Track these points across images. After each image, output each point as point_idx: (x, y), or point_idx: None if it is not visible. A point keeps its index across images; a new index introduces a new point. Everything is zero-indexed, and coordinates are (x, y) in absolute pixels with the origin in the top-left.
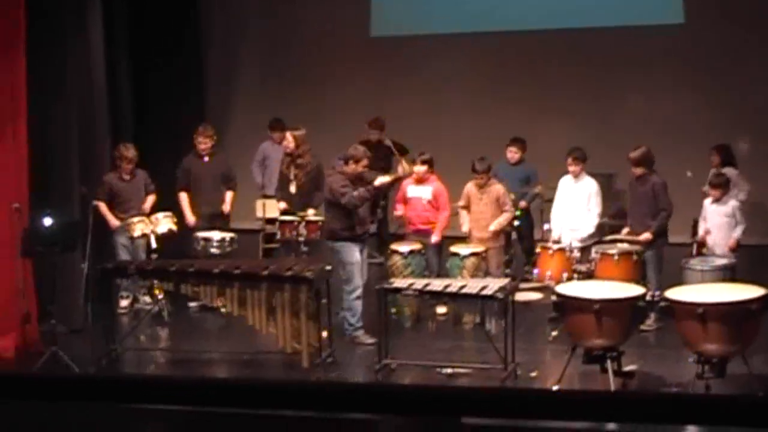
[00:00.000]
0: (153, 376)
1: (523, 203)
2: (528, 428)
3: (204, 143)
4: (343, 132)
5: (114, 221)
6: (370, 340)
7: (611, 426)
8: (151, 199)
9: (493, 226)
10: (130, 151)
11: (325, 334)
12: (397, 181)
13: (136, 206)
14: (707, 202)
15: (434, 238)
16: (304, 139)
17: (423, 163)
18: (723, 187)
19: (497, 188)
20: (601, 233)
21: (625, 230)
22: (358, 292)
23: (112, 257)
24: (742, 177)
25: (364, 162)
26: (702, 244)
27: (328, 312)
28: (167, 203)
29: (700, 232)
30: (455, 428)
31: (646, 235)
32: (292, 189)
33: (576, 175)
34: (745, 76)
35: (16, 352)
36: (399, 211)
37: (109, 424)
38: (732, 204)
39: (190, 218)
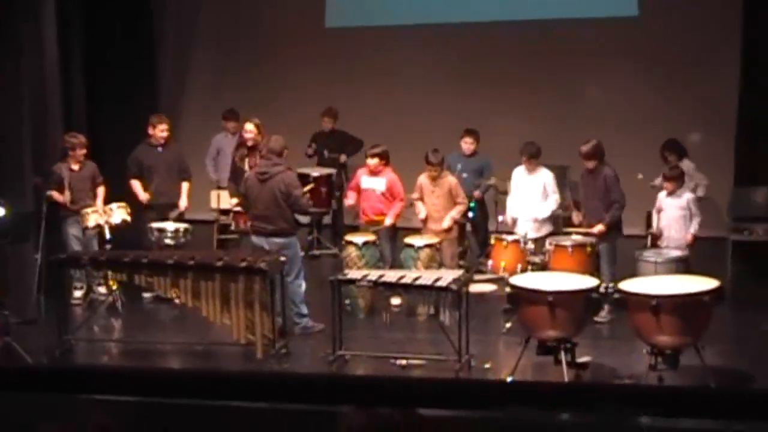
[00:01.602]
0: (106, 366)
1: (477, 194)
2: (482, 419)
3: (163, 131)
4: (297, 122)
5: (66, 198)
6: (320, 326)
7: (565, 416)
8: (101, 192)
9: (446, 222)
10: (79, 139)
11: (278, 324)
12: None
13: (86, 196)
14: (662, 194)
15: (388, 221)
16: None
17: (374, 156)
18: (678, 179)
19: (450, 180)
20: (555, 225)
21: (575, 216)
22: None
23: (64, 248)
24: (698, 170)
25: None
26: (657, 236)
27: (282, 303)
28: (120, 194)
29: (654, 224)
30: (412, 420)
31: (599, 227)
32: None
33: (528, 170)
34: (698, 70)
35: None
36: (350, 200)
37: (61, 414)
38: (687, 197)
39: (143, 196)
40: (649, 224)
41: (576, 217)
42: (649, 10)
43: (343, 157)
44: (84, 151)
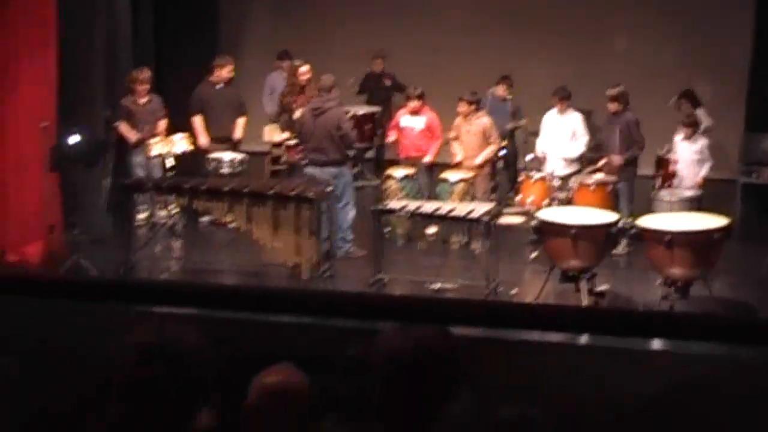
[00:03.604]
0: (166, 281)
1: (508, 127)
2: (508, 340)
3: (230, 72)
4: (348, 64)
5: (133, 137)
6: (362, 252)
7: (584, 338)
8: (162, 124)
9: (479, 159)
10: (143, 74)
11: (324, 248)
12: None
13: (150, 128)
14: (678, 138)
15: (427, 158)
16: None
17: (415, 97)
18: (694, 126)
19: (484, 121)
20: (580, 164)
21: (601, 163)
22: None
23: (130, 175)
24: (705, 114)
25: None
26: (670, 176)
27: (328, 229)
28: (182, 126)
29: (672, 165)
30: (445, 337)
31: (617, 158)
32: (296, 115)
33: (560, 111)
34: (711, 14)
35: (42, 259)
36: (391, 137)
37: (123, 324)
38: (701, 142)
39: (204, 139)
40: (659, 167)
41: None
42: None
43: (387, 82)
44: (148, 86)
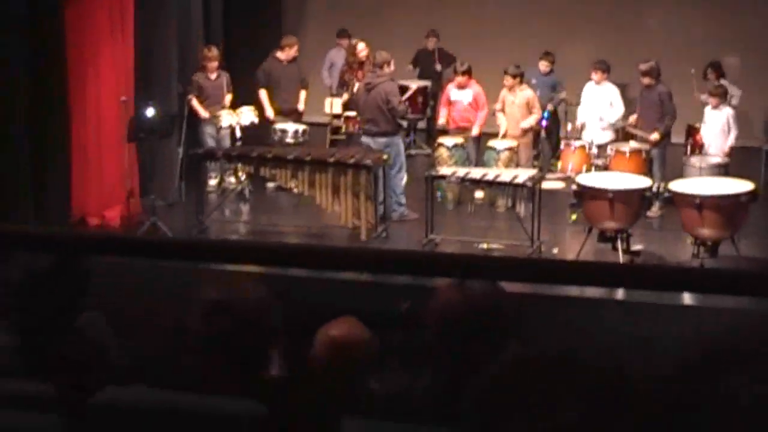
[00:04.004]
0: (235, 240)
1: (550, 106)
2: (551, 295)
3: (296, 51)
4: (403, 41)
5: (204, 113)
6: (415, 215)
7: (620, 293)
8: (228, 98)
9: (524, 124)
10: (212, 52)
11: (380, 212)
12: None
13: (219, 101)
14: (707, 109)
15: (475, 131)
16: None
17: (462, 72)
18: (721, 96)
19: (527, 93)
20: (616, 134)
21: (632, 118)
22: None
23: (201, 144)
24: (730, 85)
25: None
26: (700, 144)
27: (384, 194)
28: (249, 100)
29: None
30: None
31: (655, 136)
32: (354, 89)
33: (598, 82)
34: None
35: (122, 221)
36: (442, 119)
37: (195, 281)
38: (728, 112)
39: (269, 112)
40: (689, 135)
41: (634, 127)
42: None
43: (438, 67)
44: (217, 63)
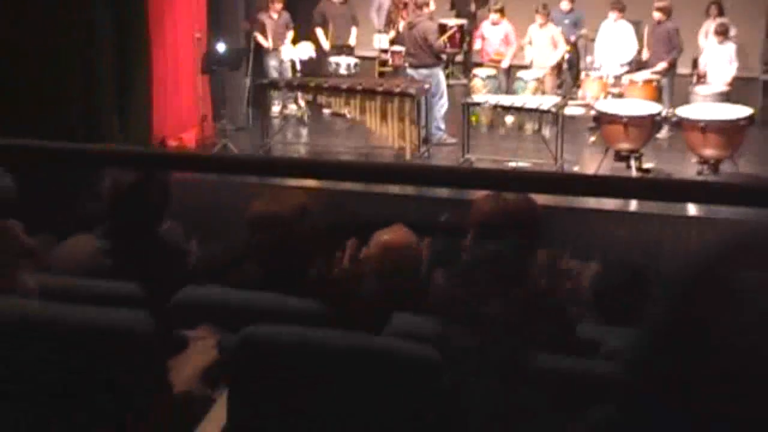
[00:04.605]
0: (297, 158)
1: (572, 39)
2: (573, 208)
3: None
4: None
5: (266, 42)
6: (453, 140)
7: (633, 205)
8: (290, 34)
9: (553, 61)
10: None
11: (422, 134)
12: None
13: (282, 37)
14: (713, 43)
15: (505, 63)
16: None
17: (495, 11)
18: (725, 33)
19: (552, 30)
20: (630, 65)
21: (645, 55)
22: (445, 102)
23: (266, 75)
24: (731, 23)
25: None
26: (704, 74)
27: (426, 119)
28: (307, 36)
29: (701, 66)
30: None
31: (663, 65)
32: (399, 27)
33: (615, 20)
34: None
35: (197, 143)
36: (477, 45)
37: (262, 193)
38: (729, 46)
39: (326, 45)
40: (694, 67)
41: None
42: None
43: (473, 7)
44: (281, 3)
